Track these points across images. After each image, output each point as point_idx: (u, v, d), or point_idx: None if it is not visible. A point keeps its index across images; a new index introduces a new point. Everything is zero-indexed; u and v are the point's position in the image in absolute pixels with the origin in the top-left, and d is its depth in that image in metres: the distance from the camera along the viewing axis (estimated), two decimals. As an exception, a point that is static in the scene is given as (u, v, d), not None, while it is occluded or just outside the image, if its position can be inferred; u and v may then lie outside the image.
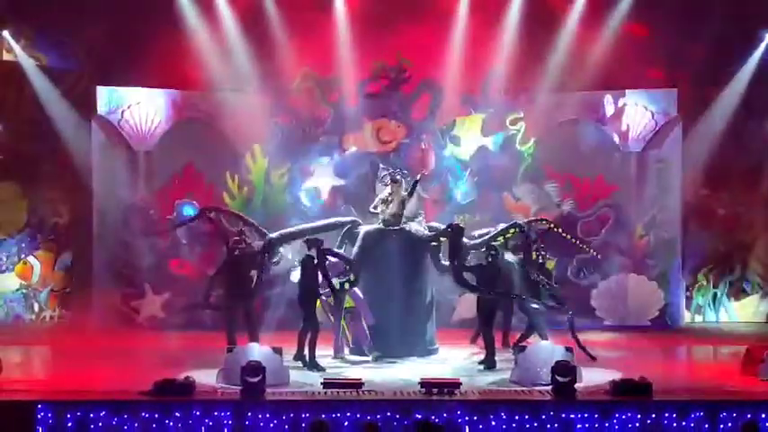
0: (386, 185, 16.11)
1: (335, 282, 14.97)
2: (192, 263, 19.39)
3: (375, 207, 16.02)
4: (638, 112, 19.71)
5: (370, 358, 15.18)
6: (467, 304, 17.59)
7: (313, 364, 14.44)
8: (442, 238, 15.59)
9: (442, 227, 16.02)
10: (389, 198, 15.81)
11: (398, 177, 15.93)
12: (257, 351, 13.12)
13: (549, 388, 12.56)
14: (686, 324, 19.75)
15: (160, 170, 19.71)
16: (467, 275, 15.04)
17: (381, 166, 16.78)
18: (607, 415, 11.85)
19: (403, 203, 15.81)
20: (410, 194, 15.93)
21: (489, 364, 14.61)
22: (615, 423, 11.81)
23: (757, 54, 19.49)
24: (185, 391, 12.17)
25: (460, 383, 12.52)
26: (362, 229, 15.83)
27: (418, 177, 16.38)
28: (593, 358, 14.76)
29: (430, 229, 16.06)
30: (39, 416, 11.65)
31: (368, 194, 17.65)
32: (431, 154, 19.80)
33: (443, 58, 19.35)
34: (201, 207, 17.36)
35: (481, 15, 19.40)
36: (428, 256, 15.82)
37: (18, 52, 19.25)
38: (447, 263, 15.55)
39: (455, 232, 15.28)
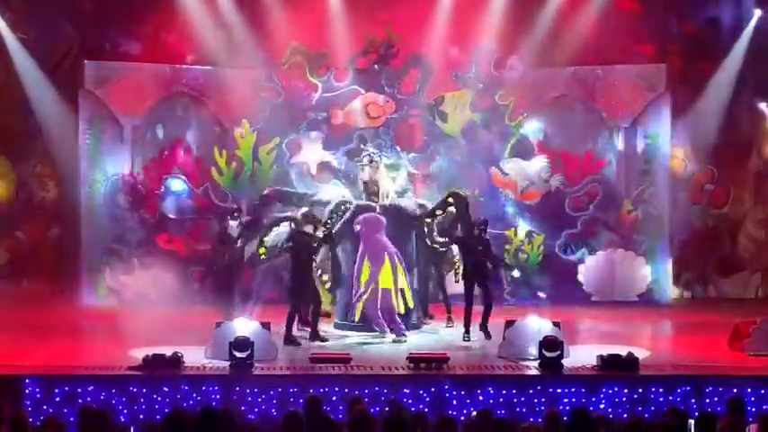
0: (363, 167, 16.06)
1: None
2: (180, 238, 19.37)
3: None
4: (627, 87, 19.71)
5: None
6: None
7: (315, 336, 14.50)
8: (438, 212, 15.51)
9: (429, 204, 16.03)
10: (371, 179, 15.84)
11: (375, 159, 15.96)
12: (245, 326, 13.11)
13: (537, 363, 12.60)
14: (674, 299, 19.79)
15: (148, 144, 19.69)
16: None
17: (362, 146, 16.71)
18: (594, 390, 11.90)
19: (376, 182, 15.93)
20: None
21: (467, 337, 14.68)
22: (602, 398, 11.86)
23: (748, 31, 19.48)
24: (173, 366, 12.17)
25: (448, 358, 12.55)
26: (354, 204, 15.77)
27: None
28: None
29: (419, 206, 16.02)
30: (27, 390, 11.66)
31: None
32: (419, 129, 19.78)
33: (432, 33, 19.28)
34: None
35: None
36: (417, 232, 15.79)
37: (0, 26, 19.12)
38: (442, 239, 15.60)
39: (459, 201, 15.26)
